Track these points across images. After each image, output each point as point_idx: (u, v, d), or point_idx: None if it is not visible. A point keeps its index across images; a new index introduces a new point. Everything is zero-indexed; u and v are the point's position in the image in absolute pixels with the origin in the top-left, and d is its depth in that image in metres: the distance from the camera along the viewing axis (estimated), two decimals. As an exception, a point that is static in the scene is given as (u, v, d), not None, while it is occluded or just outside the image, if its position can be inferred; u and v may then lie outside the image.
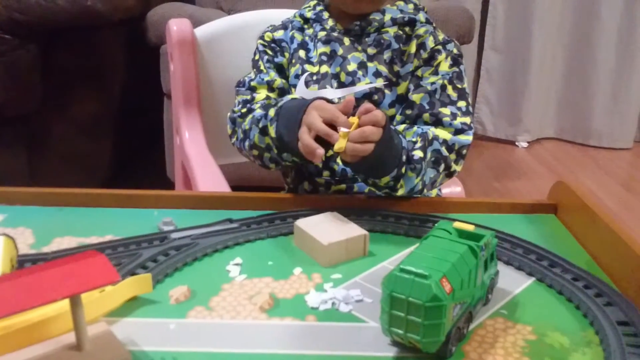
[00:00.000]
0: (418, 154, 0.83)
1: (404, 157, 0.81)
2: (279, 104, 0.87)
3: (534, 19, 2.73)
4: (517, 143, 2.90)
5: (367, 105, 0.77)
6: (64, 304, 0.52)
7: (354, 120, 0.75)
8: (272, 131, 0.85)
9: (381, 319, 0.55)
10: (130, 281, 0.62)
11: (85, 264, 0.50)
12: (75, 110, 1.74)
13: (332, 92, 0.91)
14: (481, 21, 2.80)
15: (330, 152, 0.80)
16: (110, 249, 0.70)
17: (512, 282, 0.68)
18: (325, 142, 0.78)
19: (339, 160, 0.93)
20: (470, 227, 0.62)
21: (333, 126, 0.77)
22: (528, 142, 2.91)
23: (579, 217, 0.81)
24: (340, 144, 0.75)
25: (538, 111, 2.89)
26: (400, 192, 0.84)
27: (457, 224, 0.62)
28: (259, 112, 0.90)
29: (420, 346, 0.53)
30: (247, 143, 0.91)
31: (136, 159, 2.15)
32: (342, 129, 0.75)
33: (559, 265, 0.70)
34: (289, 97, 0.93)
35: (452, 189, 1.16)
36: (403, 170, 0.81)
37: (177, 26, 1.18)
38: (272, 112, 0.86)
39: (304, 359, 0.55)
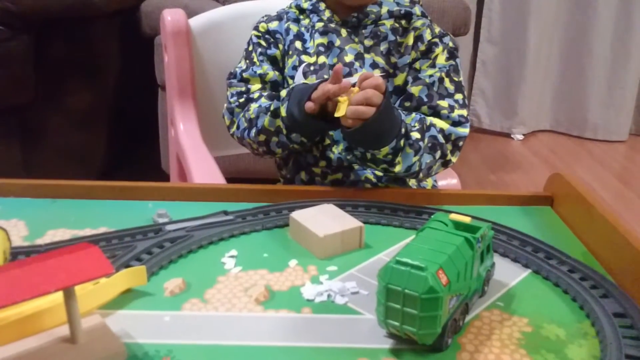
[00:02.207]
0: (416, 135, 0.85)
1: (403, 130, 0.82)
2: (291, 86, 0.88)
3: (530, 11, 2.73)
4: (512, 135, 2.90)
5: (366, 73, 0.79)
6: (58, 297, 0.52)
7: (355, 90, 0.78)
8: (283, 111, 0.85)
9: (377, 311, 0.55)
10: (125, 273, 0.61)
11: (78, 256, 0.50)
12: (69, 102, 1.73)
13: None
14: (477, 13, 2.79)
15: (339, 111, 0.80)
16: (105, 241, 0.70)
17: (508, 274, 0.68)
18: (328, 116, 0.80)
19: (334, 149, 0.93)
20: (466, 219, 0.61)
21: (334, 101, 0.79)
22: (524, 135, 2.90)
23: (575, 209, 0.81)
24: (341, 110, 0.77)
25: (534, 103, 2.89)
26: (397, 169, 0.84)
27: (453, 216, 0.62)
28: (265, 101, 0.91)
29: (416, 338, 0.53)
30: (253, 131, 0.91)
31: (131, 151, 2.14)
32: (343, 95, 0.78)
33: (555, 257, 0.70)
34: (300, 78, 0.94)
35: (448, 181, 1.16)
36: (402, 143, 0.82)
37: (171, 16, 1.17)
38: (283, 93, 0.87)
39: (299, 351, 0.54)
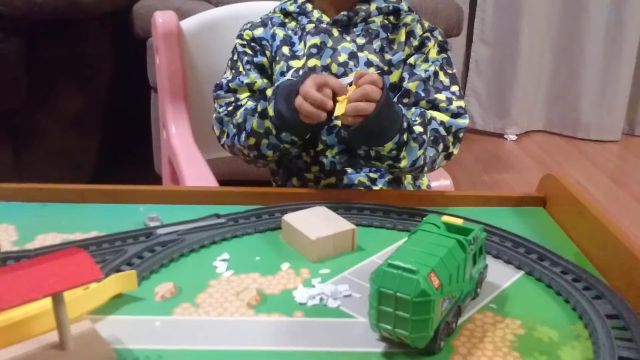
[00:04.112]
0: (418, 129, 0.85)
1: (405, 124, 0.82)
2: (276, 84, 0.87)
3: (523, 11, 2.73)
4: (505, 136, 2.91)
5: (361, 71, 0.80)
6: (47, 302, 0.51)
7: (352, 88, 0.78)
8: (270, 110, 0.84)
9: (369, 314, 0.54)
10: (115, 278, 0.61)
11: (67, 262, 0.50)
12: (61, 104, 1.72)
13: None
14: (470, 14, 2.80)
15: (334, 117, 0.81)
16: (95, 245, 0.69)
17: (501, 275, 0.68)
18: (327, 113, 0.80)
19: (327, 153, 0.93)
20: (458, 221, 0.61)
21: (333, 100, 0.79)
22: (517, 135, 2.91)
23: (568, 210, 0.81)
24: (340, 109, 0.77)
25: (527, 104, 2.90)
26: (403, 164, 0.84)
27: (445, 218, 0.62)
28: (251, 104, 0.91)
29: (408, 341, 0.53)
30: (242, 135, 0.90)
31: (124, 153, 2.13)
32: (341, 96, 0.78)
33: (548, 259, 0.70)
34: (285, 78, 0.93)
35: (440, 182, 1.16)
36: (405, 137, 0.82)
37: (162, 19, 1.17)
38: (269, 93, 0.87)
39: (291, 355, 0.54)
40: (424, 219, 0.62)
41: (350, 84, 0.80)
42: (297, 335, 0.57)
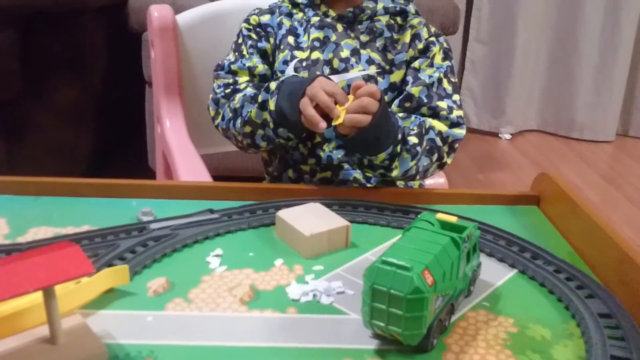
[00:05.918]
0: (413, 140, 0.85)
1: (400, 136, 0.82)
2: (281, 79, 0.87)
3: (519, 11, 2.74)
4: (500, 135, 2.91)
5: (358, 82, 0.79)
6: (38, 296, 0.51)
7: (350, 97, 0.79)
8: (271, 104, 0.84)
9: (363, 311, 0.54)
10: (107, 272, 0.60)
11: (59, 255, 0.49)
12: (56, 98, 1.71)
13: None
14: (466, 13, 2.80)
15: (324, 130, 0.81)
16: (87, 239, 0.69)
17: (495, 274, 0.68)
18: (325, 118, 0.80)
19: (325, 147, 0.93)
20: (452, 219, 0.61)
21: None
22: (511, 134, 2.92)
23: (562, 209, 0.81)
24: (339, 118, 0.78)
25: (521, 103, 2.90)
26: (394, 173, 0.84)
27: (439, 216, 0.62)
28: (250, 90, 0.90)
29: (401, 339, 0.52)
30: (238, 121, 0.90)
31: (118, 148, 2.12)
32: (340, 106, 0.78)
33: (542, 257, 0.70)
34: (291, 73, 0.92)
35: (435, 180, 1.16)
36: (399, 149, 0.82)
37: (158, 12, 1.16)
38: (272, 86, 0.86)
39: (284, 351, 0.54)
40: (418, 216, 0.62)
41: (348, 93, 0.80)
42: (290, 331, 0.57)
